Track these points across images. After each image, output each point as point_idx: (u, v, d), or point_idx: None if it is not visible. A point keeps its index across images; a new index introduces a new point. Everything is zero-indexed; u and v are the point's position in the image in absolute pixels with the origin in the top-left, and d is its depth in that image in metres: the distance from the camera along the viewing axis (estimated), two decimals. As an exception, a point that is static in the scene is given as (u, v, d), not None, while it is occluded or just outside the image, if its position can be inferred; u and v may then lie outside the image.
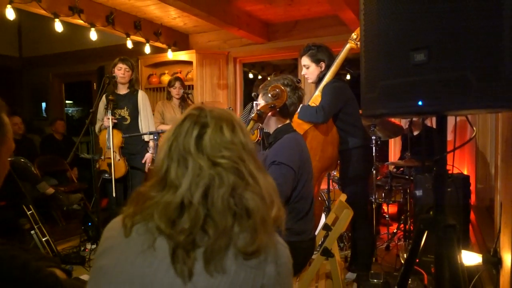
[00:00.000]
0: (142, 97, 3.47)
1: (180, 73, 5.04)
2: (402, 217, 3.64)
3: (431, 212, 1.27)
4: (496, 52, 0.97)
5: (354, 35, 2.65)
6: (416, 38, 1.08)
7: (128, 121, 3.42)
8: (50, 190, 4.00)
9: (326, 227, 2.11)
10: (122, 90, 3.45)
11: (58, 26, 3.66)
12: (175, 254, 0.74)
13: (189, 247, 0.74)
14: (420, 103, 1.10)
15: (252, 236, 0.75)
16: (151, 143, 3.42)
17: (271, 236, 0.80)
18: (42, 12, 3.52)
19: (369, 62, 1.22)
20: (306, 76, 2.74)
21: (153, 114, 3.96)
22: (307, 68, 2.69)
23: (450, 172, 1.58)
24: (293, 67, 7.48)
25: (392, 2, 1.12)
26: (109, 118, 3.21)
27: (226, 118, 0.83)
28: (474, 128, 2.21)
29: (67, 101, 7.21)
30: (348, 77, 5.98)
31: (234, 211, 0.76)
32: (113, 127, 3.24)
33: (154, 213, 0.77)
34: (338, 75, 2.71)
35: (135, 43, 4.61)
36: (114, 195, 3.17)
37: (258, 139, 3.34)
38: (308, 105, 2.59)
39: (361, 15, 1.23)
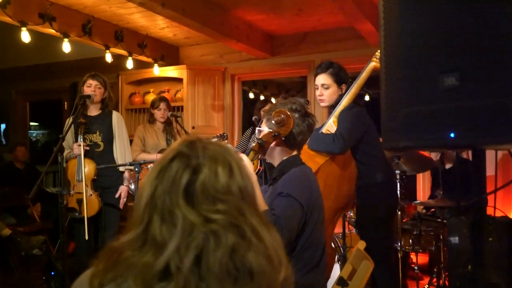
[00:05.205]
0: (117, 120, 3.45)
1: (168, 92, 5.10)
2: (435, 270, 3.59)
3: (469, 267, 1.26)
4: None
5: (378, 53, 2.69)
6: (446, 59, 1.11)
7: (101, 148, 3.37)
8: (6, 231, 3.96)
9: (341, 281, 2.07)
10: (94, 111, 3.41)
11: (25, 36, 3.71)
12: None
13: None
14: (452, 135, 1.11)
15: None
16: (126, 174, 3.38)
17: None
18: (8, 19, 3.57)
19: (390, 86, 1.25)
20: (321, 98, 2.71)
21: (133, 140, 3.92)
22: (326, 88, 2.67)
23: (491, 215, 1.56)
24: (301, 87, 7.56)
25: (416, 18, 1.15)
26: (80, 145, 3.17)
27: (222, 158, 0.83)
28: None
29: (32, 123, 7.25)
30: (366, 98, 6.03)
31: (234, 276, 0.75)
32: (84, 156, 3.20)
33: (129, 276, 0.74)
34: (355, 99, 2.73)
35: (116, 56, 4.69)
36: (86, 237, 3.12)
37: (259, 169, 3.32)
38: (322, 132, 2.59)
39: (381, 31, 1.26)
